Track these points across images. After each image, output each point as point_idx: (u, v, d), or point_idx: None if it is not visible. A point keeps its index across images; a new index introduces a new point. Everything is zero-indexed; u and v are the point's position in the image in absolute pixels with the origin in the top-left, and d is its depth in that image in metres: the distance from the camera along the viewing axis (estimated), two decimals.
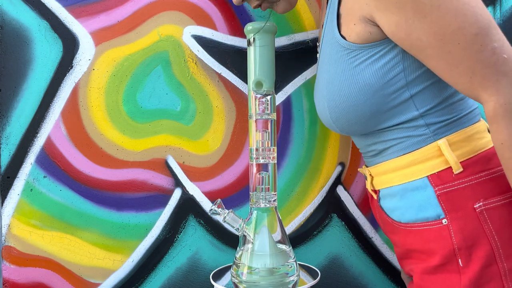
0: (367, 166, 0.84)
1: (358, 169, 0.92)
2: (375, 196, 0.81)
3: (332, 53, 0.74)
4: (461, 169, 0.68)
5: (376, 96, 0.70)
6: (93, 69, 0.95)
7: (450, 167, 0.68)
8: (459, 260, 0.67)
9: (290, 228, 1.03)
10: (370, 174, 0.82)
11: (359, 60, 0.70)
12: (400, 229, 0.76)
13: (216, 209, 0.83)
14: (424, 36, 0.62)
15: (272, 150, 0.86)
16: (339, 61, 0.72)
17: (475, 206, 0.66)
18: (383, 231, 0.85)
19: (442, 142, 0.69)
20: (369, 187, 0.83)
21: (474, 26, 0.59)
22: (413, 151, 0.71)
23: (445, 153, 0.68)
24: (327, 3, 0.80)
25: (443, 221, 0.68)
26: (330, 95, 0.74)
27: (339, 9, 0.73)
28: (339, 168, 1.05)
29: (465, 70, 0.61)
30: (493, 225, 0.65)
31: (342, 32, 0.72)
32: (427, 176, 0.70)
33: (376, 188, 0.80)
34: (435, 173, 0.69)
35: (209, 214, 0.85)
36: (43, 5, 0.92)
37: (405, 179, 0.72)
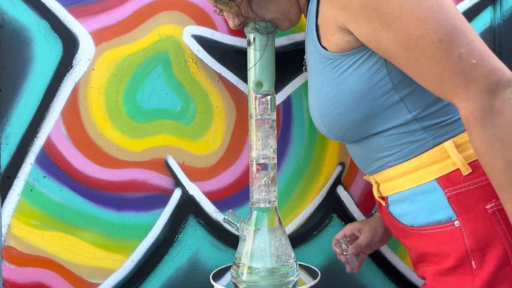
0: (370, 175, 0.84)
1: (364, 177, 0.92)
2: (383, 203, 0.81)
3: (316, 64, 0.75)
4: (470, 170, 0.67)
5: (364, 101, 0.70)
6: (93, 69, 0.95)
7: (459, 168, 0.68)
8: (472, 262, 0.66)
9: (290, 228, 1.03)
10: (376, 182, 0.81)
11: (342, 69, 0.70)
12: (412, 233, 0.75)
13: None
14: (392, 45, 0.62)
15: (272, 150, 0.86)
16: (324, 71, 0.73)
17: (486, 207, 0.66)
18: (395, 236, 0.85)
19: (448, 144, 0.68)
20: (376, 194, 0.82)
21: (436, 32, 0.58)
22: (418, 155, 0.71)
23: (451, 155, 0.68)
24: (306, 15, 0.80)
25: (455, 223, 0.67)
26: (320, 105, 0.74)
27: (317, 20, 0.73)
28: (339, 168, 1.05)
29: (433, 78, 0.61)
30: (506, 225, 0.65)
31: (322, 43, 0.72)
32: (436, 179, 0.69)
33: (384, 195, 0.80)
34: (443, 175, 0.69)
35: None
36: (43, 5, 0.92)
37: (413, 183, 0.72)
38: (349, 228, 0.95)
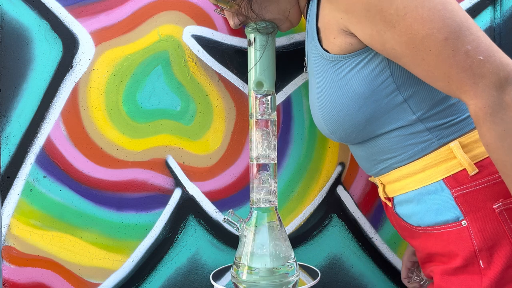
0: (375, 176, 0.84)
1: (369, 178, 0.92)
2: (389, 204, 0.81)
3: (318, 66, 0.74)
4: (477, 170, 0.67)
5: (368, 102, 0.69)
6: (93, 69, 0.95)
7: (465, 169, 0.68)
8: (480, 261, 0.66)
9: (290, 228, 1.03)
10: (382, 183, 0.81)
11: (345, 71, 0.70)
12: (420, 234, 0.75)
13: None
14: (397, 46, 0.62)
15: (272, 150, 0.86)
16: (326, 74, 0.72)
17: (494, 207, 0.66)
18: (402, 237, 0.85)
19: (454, 145, 0.68)
20: (382, 195, 0.82)
21: (442, 31, 0.58)
22: (423, 156, 0.71)
23: (457, 155, 0.68)
24: (305, 17, 0.80)
25: (463, 222, 0.67)
26: (323, 107, 0.74)
27: (317, 23, 0.73)
28: (339, 168, 1.05)
29: (441, 76, 0.60)
30: None
31: (324, 46, 0.72)
32: (443, 179, 0.69)
33: (390, 196, 0.80)
34: (450, 175, 0.69)
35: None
36: (43, 5, 0.92)
37: (420, 184, 0.72)
38: (405, 260, 0.96)
